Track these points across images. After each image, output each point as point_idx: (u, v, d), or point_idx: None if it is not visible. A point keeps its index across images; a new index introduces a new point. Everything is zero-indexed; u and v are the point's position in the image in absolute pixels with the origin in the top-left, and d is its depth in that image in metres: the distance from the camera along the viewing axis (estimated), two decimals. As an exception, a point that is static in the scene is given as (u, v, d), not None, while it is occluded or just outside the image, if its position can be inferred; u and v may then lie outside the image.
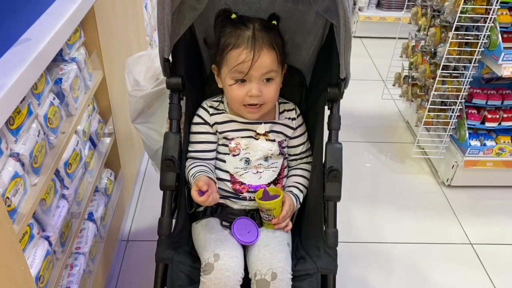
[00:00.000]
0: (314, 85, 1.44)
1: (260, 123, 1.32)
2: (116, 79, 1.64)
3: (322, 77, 1.36)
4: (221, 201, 1.32)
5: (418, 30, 2.33)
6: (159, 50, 1.20)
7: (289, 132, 1.36)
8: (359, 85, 3.24)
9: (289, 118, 1.37)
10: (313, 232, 1.28)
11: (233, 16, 1.25)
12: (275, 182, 1.34)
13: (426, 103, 2.20)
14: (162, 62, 1.23)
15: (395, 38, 2.72)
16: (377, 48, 3.78)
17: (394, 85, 2.64)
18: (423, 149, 2.50)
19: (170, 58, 1.25)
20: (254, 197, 1.26)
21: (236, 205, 1.31)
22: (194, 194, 1.17)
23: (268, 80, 1.25)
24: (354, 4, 3.92)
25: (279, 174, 1.35)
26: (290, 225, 1.29)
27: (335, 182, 1.23)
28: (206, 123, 1.33)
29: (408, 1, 2.75)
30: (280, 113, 1.38)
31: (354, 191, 2.27)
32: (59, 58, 1.36)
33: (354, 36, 3.92)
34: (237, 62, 1.21)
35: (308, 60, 1.43)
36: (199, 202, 1.17)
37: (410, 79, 2.46)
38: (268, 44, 1.22)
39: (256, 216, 1.29)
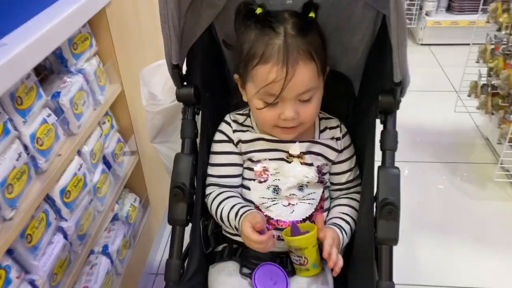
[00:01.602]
0: (363, 94, 1.16)
1: (294, 141, 1.05)
2: (137, 92, 1.45)
3: (373, 83, 1.07)
4: (241, 238, 1.06)
5: (499, 30, 1.96)
6: (165, 55, 0.98)
7: (332, 155, 1.09)
8: (428, 97, 2.88)
9: (332, 138, 1.09)
10: (361, 284, 0.98)
11: (258, 10, 1.00)
12: (311, 218, 1.06)
13: (511, 115, 1.81)
14: (170, 70, 1.01)
15: (468, 44, 2.36)
16: (448, 56, 3.37)
17: (469, 95, 2.26)
18: (508, 171, 2.09)
19: (184, 65, 1.03)
20: (282, 236, 0.99)
21: (262, 246, 1.04)
22: (249, 232, 0.93)
23: (306, 99, 0.99)
24: (421, 8, 3.55)
25: (317, 208, 1.07)
26: (341, 262, 0.97)
27: (391, 220, 0.93)
28: (230, 140, 1.08)
29: (484, 2, 2.39)
30: (320, 131, 1.10)
31: (421, 220, 1.92)
32: (64, 70, 1.19)
33: (422, 44, 3.55)
34: (266, 82, 0.94)
35: (356, 64, 1.15)
36: (257, 244, 0.93)
37: (489, 88, 2.07)
38: (304, 54, 0.94)
39: (285, 262, 1.02)
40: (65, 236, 1.11)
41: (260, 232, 0.93)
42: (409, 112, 2.61)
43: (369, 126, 1.05)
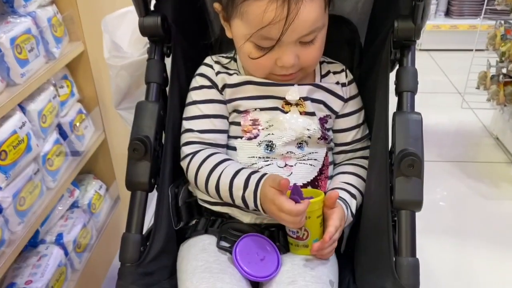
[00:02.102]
0: (371, 40, 0.95)
1: (292, 85, 0.83)
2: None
3: (384, 20, 0.87)
4: (224, 209, 0.83)
5: (511, 10, 1.79)
6: (125, -31, 0.78)
7: (336, 104, 0.87)
8: (433, 99, 2.70)
9: (337, 83, 0.88)
10: (375, 262, 0.75)
11: None
12: (313, 184, 0.84)
13: (529, 101, 1.62)
14: (131, -10, 0.80)
15: (470, 50, 2.24)
16: (450, 61, 3.22)
17: (478, 87, 2.07)
18: (524, 167, 1.89)
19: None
20: None
21: (247, 217, 0.81)
22: (282, 200, 0.70)
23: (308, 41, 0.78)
24: (419, 13, 3.42)
25: (320, 172, 0.85)
26: (332, 249, 0.76)
27: (413, 176, 0.71)
28: (213, 85, 0.85)
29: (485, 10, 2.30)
30: (322, 76, 0.89)
31: (432, 222, 1.69)
32: (9, 11, 0.98)
33: (421, 49, 3.39)
34: (261, 25, 0.73)
35: (362, 6, 0.96)
36: (292, 215, 0.70)
37: (501, 77, 1.89)
38: None
39: (277, 235, 0.79)
40: (-2, 209, 0.88)
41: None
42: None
43: (381, 69, 0.84)
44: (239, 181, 0.76)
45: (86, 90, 1.23)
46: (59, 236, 1.14)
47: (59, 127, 1.13)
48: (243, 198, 0.75)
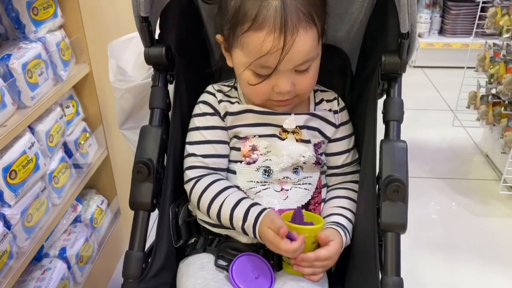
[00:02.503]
0: (362, 68, 1.01)
1: (289, 114, 0.89)
2: (109, 76, 1.30)
3: (373, 50, 0.93)
4: (222, 230, 0.88)
5: (499, 34, 1.86)
6: (132, 4, 0.83)
7: (329, 130, 0.93)
8: (424, 116, 2.77)
9: (329, 110, 0.94)
10: (363, 281, 0.80)
11: None
12: (307, 207, 0.90)
13: (516, 122, 1.69)
14: (138, 24, 0.86)
15: (462, 67, 2.31)
16: (443, 78, 3.29)
17: (468, 107, 2.14)
18: (512, 185, 1.95)
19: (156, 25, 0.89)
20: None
21: (245, 237, 0.86)
22: (277, 240, 0.76)
23: (303, 70, 0.84)
24: (413, 31, 3.50)
25: (314, 195, 0.90)
26: (320, 277, 0.82)
27: (398, 200, 0.77)
28: (216, 113, 0.91)
29: (477, 28, 2.37)
30: (316, 103, 0.95)
31: (421, 237, 1.74)
32: (20, 37, 1.04)
33: (414, 66, 3.47)
34: (259, 54, 0.79)
35: (353, 36, 1.02)
36: (289, 252, 0.76)
37: (489, 98, 1.96)
38: (305, 19, 0.79)
39: (271, 253, 0.84)
40: (7, 225, 0.92)
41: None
42: (406, 132, 2.48)
43: (370, 99, 0.91)
44: (239, 212, 0.81)
45: (91, 109, 1.29)
46: (63, 250, 1.18)
47: (65, 145, 1.18)
48: (243, 229, 0.81)
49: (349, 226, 0.87)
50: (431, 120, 2.74)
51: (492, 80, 1.91)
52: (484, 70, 2.01)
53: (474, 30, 2.41)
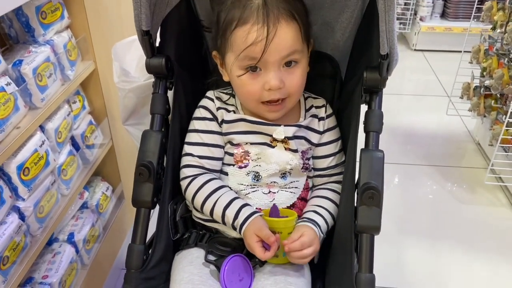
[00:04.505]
0: (350, 76, 1.08)
1: (279, 125, 0.97)
2: (112, 72, 1.37)
3: (360, 63, 1.00)
4: (214, 224, 0.97)
5: (493, 28, 1.91)
6: (134, 19, 0.90)
7: (314, 137, 1.01)
8: (421, 102, 2.83)
9: (315, 117, 1.02)
10: (340, 275, 0.90)
11: None
12: (293, 208, 0.99)
13: (504, 116, 1.75)
14: (139, 37, 0.93)
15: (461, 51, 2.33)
16: (442, 62, 3.33)
17: (461, 97, 2.20)
18: (499, 175, 2.02)
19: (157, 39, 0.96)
20: None
21: (233, 232, 0.95)
22: (256, 247, 0.86)
23: (290, 64, 0.91)
24: (415, 13, 3.51)
25: (301, 197, 0.99)
26: (305, 261, 0.90)
27: (372, 206, 0.85)
28: (214, 118, 0.99)
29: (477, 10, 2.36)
30: (306, 110, 1.03)
31: (409, 224, 1.84)
32: (30, 40, 1.11)
33: (415, 49, 3.50)
34: (246, 45, 0.87)
35: (343, 45, 1.08)
36: (262, 258, 0.87)
37: (482, 90, 2.01)
38: (286, 13, 0.87)
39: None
40: (22, 217, 1.02)
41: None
42: (401, 116, 2.57)
43: (354, 108, 0.98)
44: (231, 212, 0.90)
45: (96, 103, 1.36)
46: (71, 235, 1.28)
47: (72, 139, 1.26)
48: (233, 226, 0.90)
49: (321, 222, 0.94)
50: (428, 106, 2.80)
51: (484, 73, 1.96)
52: (478, 62, 2.05)
53: (473, 14, 2.40)
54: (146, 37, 0.92)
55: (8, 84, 0.97)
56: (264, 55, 0.87)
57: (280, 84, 0.90)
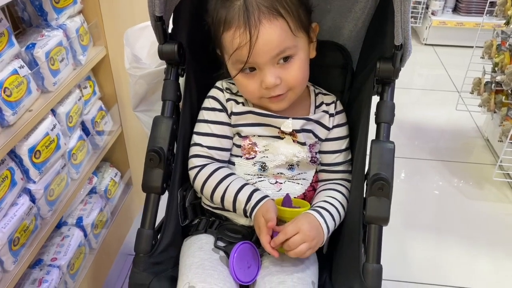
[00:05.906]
0: (362, 67, 1.08)
1: (287, 118, 0.96)
2: (123, 58, 1.37)
3: (373, 54, 0.99)
4: (223, 212, 0.98)
5: (507, 23, 1.88)
6: (148, 4, 0.90)
7: (321, 133, 1.01)
8: (430, 96, 2.82)
9: (326, 112, 1.01)
10: (347, 266, 0.90)
11: None
12: (304, 198, 0.99)
13: (515, 112, 1.74)
14: (153, 22, 0.93)
15: (473, 47, 2.30)
16: (452, 57, 3.31)
17: (472, 92, 2.18)
18: (507, 171, 2.01)
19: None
20: None
21: (242, 219, 0.96)
22: (264, 231, 0.85)
23: (286, 58, 0.90)
24: (427, 7, 3.48)
25: (309, 189, 0.99)
26: (302, 252, 0.86)
27: (382, 196, 0.85)
28: (223, 109, 0.99)
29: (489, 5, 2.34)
30: (316, 106, 1.02)
31: (414, 218, 1.84)
32: (43, 24, 1.11)
33: (426, 44, 3.47)
34: (233, 49, 0.88)
35: (356, 35, 1.08)
36: (264, 245, 0.86)
37: (493, 85, 2.00)
38: (269, 11, 0.85)
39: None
40: (32, 199, 1.03)
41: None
42: (410, 110, 2.56)
43: (365, 98, 0.98)
44: (243, 195, 0.90)
45: (107, 89, 1.37)
46: (79, 219, 1.29)
47: (82, 124, 1.27)
48: (244, 210, 0.90)
49: (326, 214, 0.90)
50: (437, 101, 2.78)
51: (496, 68, 1.95)
52: (490, 58, 2.04)
53: (486, 8, 2.37)
54: (159, 23, 0.92)
55: (21, 67, 0.97)
56: (250, 58, 0.87)
57: (276, 81, 0.89)
